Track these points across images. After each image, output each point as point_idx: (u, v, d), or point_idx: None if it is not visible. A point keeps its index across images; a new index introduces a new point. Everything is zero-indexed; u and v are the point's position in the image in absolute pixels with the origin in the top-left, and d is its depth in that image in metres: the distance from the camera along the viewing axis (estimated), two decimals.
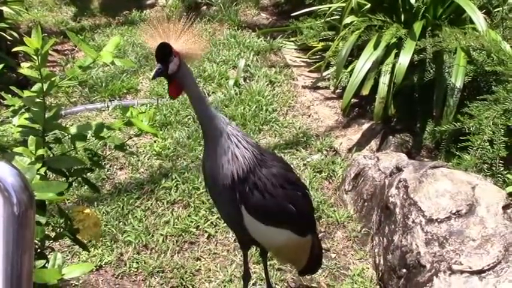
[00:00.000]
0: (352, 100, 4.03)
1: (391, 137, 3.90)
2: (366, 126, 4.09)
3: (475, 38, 3.56)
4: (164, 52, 1.98)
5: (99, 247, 3.14)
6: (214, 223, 3.31)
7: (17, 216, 1.06)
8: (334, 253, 3.22)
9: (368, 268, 3.12)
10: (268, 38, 5.19)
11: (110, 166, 3.71)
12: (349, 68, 4.18)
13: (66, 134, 2.03)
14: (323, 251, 2.93)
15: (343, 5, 4.35)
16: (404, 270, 2.76)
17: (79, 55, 5.11)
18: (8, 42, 4.55)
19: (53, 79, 1.86)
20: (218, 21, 5.54)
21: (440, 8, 4.01)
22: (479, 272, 2.48)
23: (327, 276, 3.07)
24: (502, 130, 3.14)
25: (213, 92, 4.47)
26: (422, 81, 3.84)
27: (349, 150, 3.93)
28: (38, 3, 6.04)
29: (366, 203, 3.37)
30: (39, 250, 1.87)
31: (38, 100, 1.88)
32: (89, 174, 2.23)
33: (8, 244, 1.06)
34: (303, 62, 4.92)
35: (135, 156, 3.74)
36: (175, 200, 3.45)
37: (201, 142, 3.70)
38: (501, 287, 2.41)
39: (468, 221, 2.65)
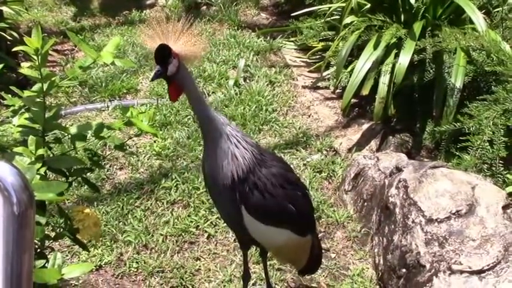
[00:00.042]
0: (352, 100, 4.03)
1: (391, 137, 3.90)
2: (365, 126, 4.09)
3: (474, 38, 3.57)
4: (163, 54, 1.97)
5: (99, 247, 3.14)
6: (214, 223, 3.31)
7: (17, 216, 1.06)
8: (334, 253, 3.22)
9: (368, 268, 3.12)
10: (268, 38, 5.19)
11: (110, 166, 3.71)
12: (349, 68, 4.18)
13: (66, 134, 2.03)
14: (323, 251, 2.93)
15: (343, 5, 4.35)
16: (404, 270, 2.76)
17: (79, 55, 5.11)
18: (8, 42, 4.55)
19: (53, 79, 1.86)
20: (218, 21, 5.54)
21: (440, 8, 4.01)
22: (479, 272, 2.48)
23: (326, 276, 3.07)
24: (502, 130, 3.14)
25: (213, 92, 4.47)
26: (422, 82, 3.84)
27: (349, 150, 3.93)
28: (37, 3, 6.04)
29: (365, 203, 3.37)
30: (39, 250, 1.87)
31: (38, 100, 1.88)
32: (88, 174, 2.23)
33: (8, 244, 1.06)
34: (303, 62, 4.92)
35: (135, 156, 3.74)
36: (175, 200, 3.45)
37: (200, 142, 3.70)
38: (501, 287, 2.41)
39: (468, 221, 2.65)
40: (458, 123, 3.32)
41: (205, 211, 3.36)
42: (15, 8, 4.67)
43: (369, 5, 4.21)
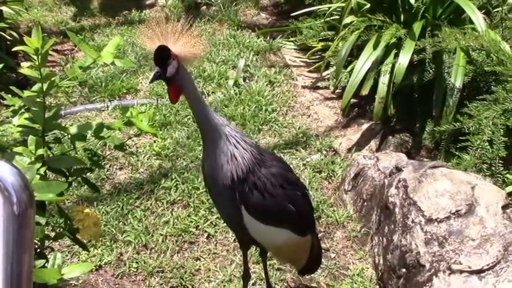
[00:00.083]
0: (352, 100, 4.03)
1: (390, 137, 3.90)
2: (365, 126, 4.09)
3: (474, 38, 3.57)
4: (162, 55, 1.97)
5: (99, 247, 3.15)
6: (213, 223, 3.31)
7: (17, 216, 1.06)
8: (333, 253, 3.22)
9: (367, 268, 3.12)
10: (268, 38, 5.19)
11: (110, 166, 3.71)
12: (349, 68, 4.18)
13: (66, 134, 2.03)
14: (323, 250, 2.94)
15: (343, 5, 4.35)
16: (403, 270, 2.77)
17: (79, 55, 5.11)
18: (8, 42, 4.55)
19: (52, 79, 1.86)
20: (218, 21, 5.54)
21: (439, 8, 4.02)
22: (478, 272, 2.48)
23: (326, 276, 3.07)
24: (502, 130, 3.14)
25: (212, 92, 4.47)
26: (421, 81, 3.84)
27: (349, 150, 3.93)
28: (37, 3, 6.04)
29: (365, 203, 3.37)
30: (38, 250, 1.87)
31: (37, 100, 1.88)
32: (88, 174, 2.23)
33: (8, 243, 1.06)
34: (303, 62, 4.92)
35: (134, 156, 3.74)
36: (175, 200, 3.45)
37: (200, 142, 3.70)
38: (500, 286, 2.41)
39: (468, 220, 2.65)
40: (458, 123, 3.32)
41: (205, 211, 3.36)
42: (15, 8, 4.67)
43: (368, 5, 4.21)
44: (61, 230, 1.96)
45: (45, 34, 3.91)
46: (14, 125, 1.93)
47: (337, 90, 4.47)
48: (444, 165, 3.06)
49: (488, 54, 3.52)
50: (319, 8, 4.72)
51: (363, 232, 3.30)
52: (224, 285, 2.98)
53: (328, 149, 3.94)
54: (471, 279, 2.48)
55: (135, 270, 3.06)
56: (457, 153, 3.32)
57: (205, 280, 3.01)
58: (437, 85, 3.74)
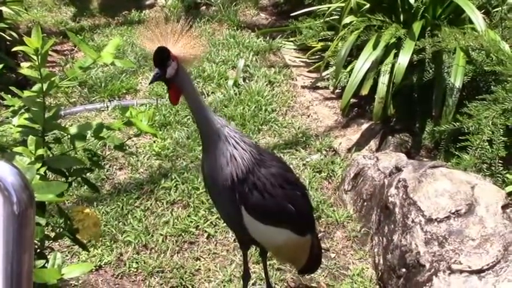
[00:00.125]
0: (352, 100, 4.03)
1: (390, 137, 3.90)
2: (365, 126, 4.09)
3: (474, 38, 3.57)
4: (162, 56, 1.97)
5: (99, 247, 3.14)
6: (213, 223, 3.31)
7: (17, 216, 1.06)
8: (333, 253, 3.22)
9: (367, 268, 3.12)
10: (268, 38, 5.19)
11: (110, 166, 3.71)
12: (349, 68, 4.18)
13: (66, 134, 2.03)
14: (322, 250, 2.94)
15: (343, 5, 4.35)
16: (403, 270, 2.77)
17: (78, 55, 5.11)
18: (8, 43, 4.55)
19: (52, 79, 1.86)
20: (217, 22, 5.54)
21: (439, 8, 4.02)
22: (478, 272, 2.48)
23: (326, 276, 3.07)
24: (501, 130, 3.14)
25: (212, 92, 4.47)
26: (421, 81, 3.84)
27: (349, 150, 3.93)
28: (37, 4, 6.04)
29: (365, 203, 3.37)
30: (38, 250, 1.87)
31: (37, 100, 1.88)
32: (88, 174, 2.23)
33: (8, 243, 1.06)
34: (302, 62, 4.92)
35: (134, 156, 3.74)
36: (175, 200, 3.45)
37: (200, 142, 3.69)
38: (500, 286, 2.41)
39: (467, 220, 2.65)
40: (458, 123, 3.32)
41: (205, 211, 3.36)
42: (15, 8, 4.67)
43: (368, 5, 4.21)
44: (61, 230, 1.96)
45: (45, 34, 3.91)
46: (14, 125, 1.93)
47: (337, 90, 4.47)
48: (444, 165, 3.06)
49: (488, 54, 3.53)
50: (319, 8, 4.72)
51: (363, 232, 3.30)
52: (224, 285, 2.98)
53: (328, 149, 3.94)
54: (471, 279, 2.48)
55: (135, 270, 3.06)
56: (456, 153, 3.32)
57: (205, 280, 3.01)
58: (437, 85, 3.74)
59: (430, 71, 3.77)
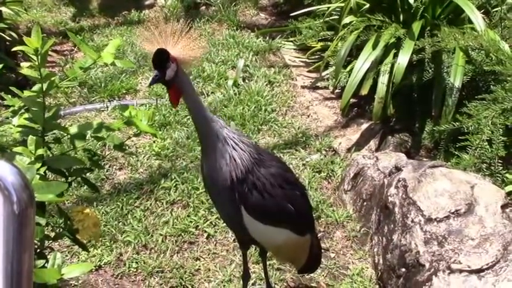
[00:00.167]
0: (351, 100, 4.03)
1: (390, 136, 3.90)
2: (364, 126, 4.09)
3: (473, 37, 3.57)
4: (161, 58, 1.97)
5: (99, 247, 3.14)
6: (213, 223, 3.31)
7: (17, 215, 1.06)
8: (333, 253, 3.22)
9: (367, 267, 3.12)
10: (267, 38, 5.19)
11: (109, 166, 3.71)
12: (348, 68, 4.18)
13: (66, 134, 2.03)
14: (322, 250, 2.94)
15: (342, 5, 4.35)
16: (403, 270, 2.77)
17: (78, 55, 5.11)
18: (7, 43, 4.55)
19: (52, 79, 1.86)
20: (217, 22, 5.54)
21: (439, 7, 4.02)
22: (478, 271, 2.49)
23: (326, 276, 3.07)
24: (501, 129, 3.15)
25: (212, 92, 4.47)
26: (421, 81, 3.85)
27: (348, 150, 3.93)
28: (37, 4, 6.04)
29: (365, 203, 3.37)
30: (38, 250, 1.87)
31: (37, 100, 1.88)
32: (88, 174, 2.23)
33: (8, 243, 1.06)
34: (302, 62, 4.93)
35: (134, 156, 3.74)
36: (175, 200, 3.45)
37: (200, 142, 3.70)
38: (500, 286, 2.42)
39: (467, 220, 2.65)
40: (457, 123, 3.32)
41: (205, 211, 3.36)
42: (15, 8, 4.67)
43: (367, 5, 4.21)
44: (61, 230, 1.96)
45: (45, 34, 3.90)
46: (14, 125, 1.94)
47: (337, 90, 4.47)
48: (443, 165, 3.06)
49: (488, 53, 3.53)
50: (319, 8, 4.72)
51: (363, 232, 3.30)
52: (224, 285, 2.98)
53: (327, 149, 3.94)
54: (471, 279, 2.48)
55: (135, 270, 3.06)
56: (456, 152, 3.32)
57: (205, 280, 3.01)
58: (436, 85, 3.74)
59: (430, 70, 3.78)
